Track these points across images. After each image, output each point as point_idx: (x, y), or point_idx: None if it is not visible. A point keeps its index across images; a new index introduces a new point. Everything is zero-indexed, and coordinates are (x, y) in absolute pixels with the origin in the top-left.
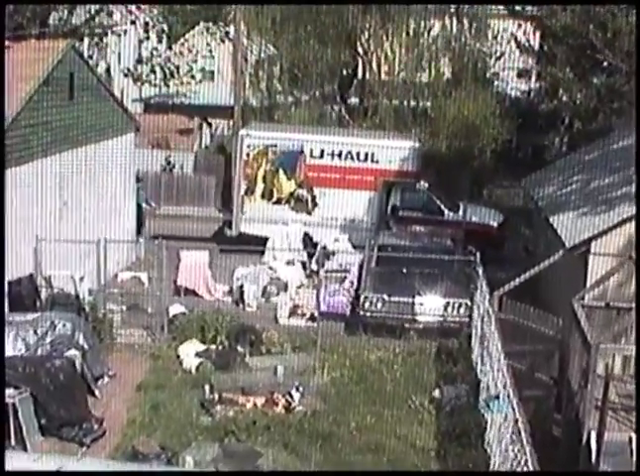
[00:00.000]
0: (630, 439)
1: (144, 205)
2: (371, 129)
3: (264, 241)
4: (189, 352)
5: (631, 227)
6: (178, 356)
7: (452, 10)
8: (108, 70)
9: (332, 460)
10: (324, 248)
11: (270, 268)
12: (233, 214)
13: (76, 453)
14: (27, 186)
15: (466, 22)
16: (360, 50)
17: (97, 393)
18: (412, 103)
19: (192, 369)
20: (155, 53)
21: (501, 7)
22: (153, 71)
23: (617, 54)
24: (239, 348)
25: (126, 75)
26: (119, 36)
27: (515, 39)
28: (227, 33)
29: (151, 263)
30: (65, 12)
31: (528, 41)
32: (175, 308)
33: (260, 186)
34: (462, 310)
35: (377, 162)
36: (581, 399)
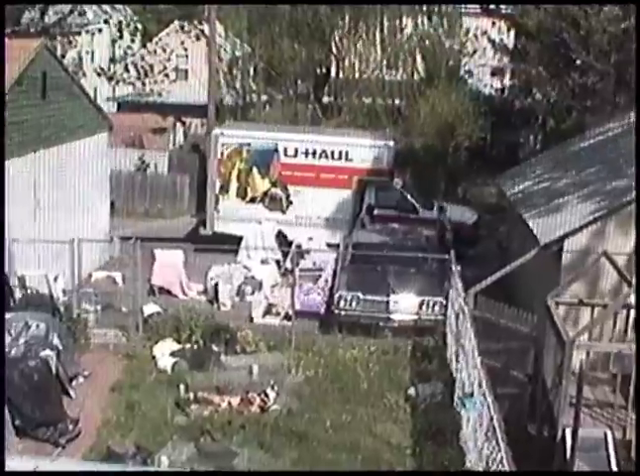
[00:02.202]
0: (605, 435)
1: None
2: (345, 128)
3: (238, 240)
4: (164, 351)
5: (604, 224)
6: (153, 356)
7: (424, 9)
8: (81, 70)
9: (307, 459)
10: (298, 247)
11: (245, 267)
12: (207, 213)
13: (51, 454)
14: None
15: (439, 20)
16: (333, 48)
17: (72, 393)
18: (386, 102)
19: (167, 368)
20: (128, 51)
21: (475, 5)
22: (126, 70)
23: (590, 52)
24: (214, 347)
25: (99, 74)
26: (92, 35)
27: (489, 37)
28: (201, 31)
29: (125, 262)
30: (38, 11)
31: (502, 39)
32: (150, 308)
33: (234, 185)
34: (436, 308)
35: (352, 160)
36: (555, 396)
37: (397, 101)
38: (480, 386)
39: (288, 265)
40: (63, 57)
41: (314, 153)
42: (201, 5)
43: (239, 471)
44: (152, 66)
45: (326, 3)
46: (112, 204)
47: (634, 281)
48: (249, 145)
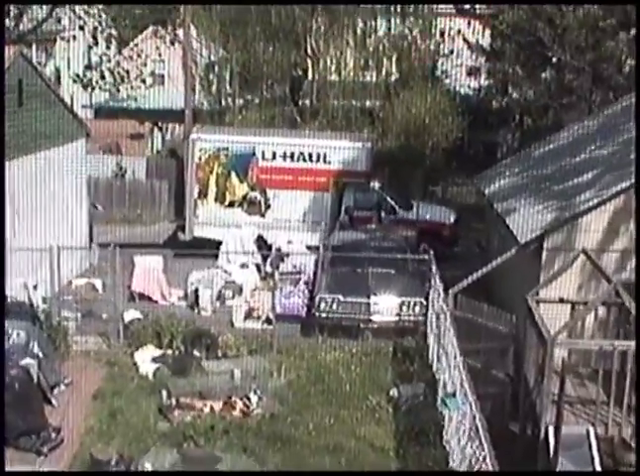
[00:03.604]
0: (588, 432)
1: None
2: (322, 130)
3: (217, 244)
4: (145, 358)
5: (582, 221)
6: (135, 362)
7: (399, 10)
8: (57, 77)
9: (291, 463)
10: (278, 250)
11: (225, 271)
12: (186, 218)
13: (34, 463)
14: None
15: (413, 21)
16: (309, 51)
17: (54, 401)
18: (362, 103)
19: (149, 375)
20: (104, 58)
21: (450, 6)
22: (102, 77)
23: (566, 49)
24: (195, 353)
25: (75, 81)
26: (68, 41)
27: (464, 37)
28: (176, 36)
29: (104, 269)
30: (12, 20)
31: (477, 39)
32: (130, 314)
33: (212, 190)
34: (417, 309)
35: (330, 162)
36: (537, 394)
37: (374, 103)
38: (461, 385)
39: (268, 268)
40: (40, 64)
41: (292, 156)
42: (176, 10)
43: (238, 471)
44: (128, 72)
45: (307, 3)
46: (95, 206)
47: (622, 276)
48: (226, 149)
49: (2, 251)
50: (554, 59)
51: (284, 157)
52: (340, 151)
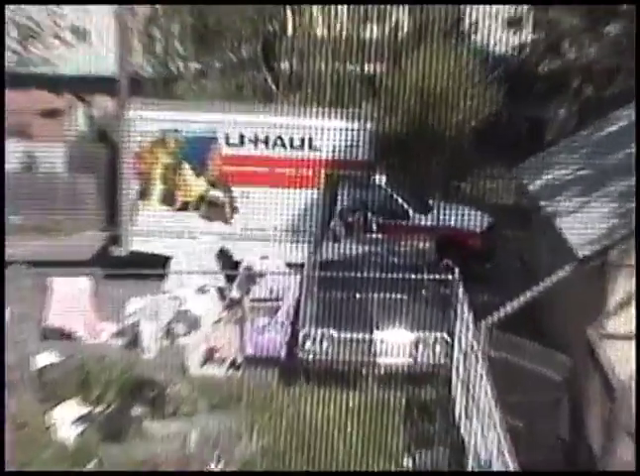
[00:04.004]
0: None
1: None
2: (307, 105)
3: (164, 262)
4: (66, 418)
5: None
6: (51, 423)
7: None
8: None
9: None
10: (248, 269)
11: (175, 298)
12: (121, 227)
13: None
14: None
15: None
16: None
17: None
18: (361, 67)
19: (70, 440)
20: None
21: None
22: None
23: None
24: (135, 409)
25: None
26: None
27: None
28: None
29: (9, 296)
30: None
31: None
32: (45, 358)
33: (157, 188)
34: (438, 348)
35: (318, 149)
36: (605, 463)
37: (377, 67)
38: (499, 452)
39: (235, 294)
40: None
41: (267, 140)
42: None
43: (238, 471)
44: (39, 25)
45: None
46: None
47: None
48: (177, 131)
49: (2, 253)
50: (624, 5)
51: (256, 142)
52: (332, 133)
